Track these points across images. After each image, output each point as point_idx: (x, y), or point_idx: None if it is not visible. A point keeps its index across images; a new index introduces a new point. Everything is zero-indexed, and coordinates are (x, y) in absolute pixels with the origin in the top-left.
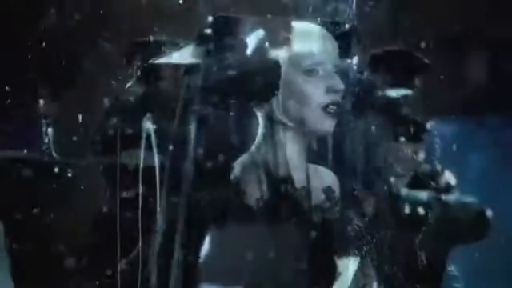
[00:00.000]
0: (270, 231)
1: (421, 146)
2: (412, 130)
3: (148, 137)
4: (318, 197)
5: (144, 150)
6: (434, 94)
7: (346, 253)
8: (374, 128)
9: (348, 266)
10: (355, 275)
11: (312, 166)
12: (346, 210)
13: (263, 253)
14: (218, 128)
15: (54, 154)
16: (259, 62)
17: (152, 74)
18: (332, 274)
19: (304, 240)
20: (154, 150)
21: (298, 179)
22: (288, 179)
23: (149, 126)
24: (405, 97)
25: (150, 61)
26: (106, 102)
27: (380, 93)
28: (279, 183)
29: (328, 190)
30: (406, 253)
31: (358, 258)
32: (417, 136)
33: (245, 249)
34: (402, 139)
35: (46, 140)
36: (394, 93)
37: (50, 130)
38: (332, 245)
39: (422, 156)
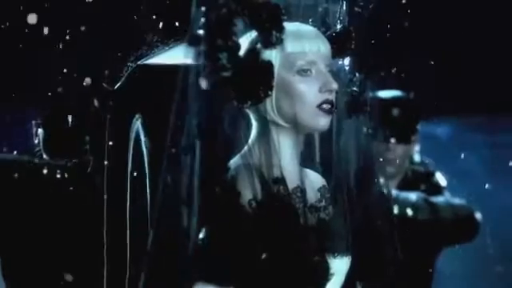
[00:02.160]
0: (263, 232)
1: (411, 148)
2: (402, 131)
3: (138, 137)
4: (312, 196)
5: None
6: (427, 95)
7: (339, 253)
8: (364, 129)
9: (341, 266)
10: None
11: (300, 168)
12: (338, 210)
13: (256, 253)
14: (209, 129)
15: (45, 156)
16: (251, 63)
17: (142, 75)
18: (325, 274)
19: (299, 240)
20: (144, 150)
21: (291, 179)
22: (281, 180)
23: (138, 126)
24: (396, 98)
25: (140, 61)
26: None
27: (371, 94)
28: (272, 184)
29: (323, 190)
30: (396, 253)
31: (350, 258)
32: (407, 137)
33: (239, 249)
34: (393, 140)
35: (36, 141)
36: (385, 94)
37: (40, 130)
38: (326, 245)
39: (412, 157)
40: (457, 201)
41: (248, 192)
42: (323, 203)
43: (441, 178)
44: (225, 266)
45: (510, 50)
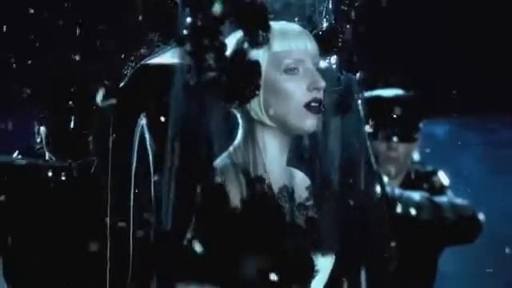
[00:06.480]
0: (251, 232)
1: (414, 146)
2: (405, 129)
3: (142, 136)
4: (301, 195)
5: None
6: (426, 94)
7: (325, 251)
8: (352, 127)
9: (326, 264)
10: (332, 272)
11: (287, 168)
12: (325, 209)
13: (242, 252)
14: (197, 129)
15: (48, 155)
16: (238, 63)
17: (145, 74)
18: (310, 271)
19: (284, 239)
20: (149, 150)
21: (278, 179)
22: (265, 179)
23: (143, 126)
24: (398, 97)
25: (143, 61)
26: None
27: (363, 92)
28: (257, 184)
29: (311, 188)
30: (398, 252)
31: (335, 256)
32: (410, 136)
33: (225, 248)
34: (395, 139)
35: (39, 140)
36: (387, 92)
37: (42, 128)
38: (313, 243)
39: (414, 156)
40: (460, 201)
41: (235, 192)
42: (311, 202)
43: (443, 177)
44: (211, 265)
45: (509, 49)
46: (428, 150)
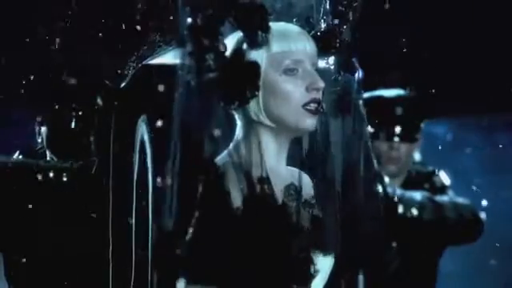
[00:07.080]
0: (252, 231)
1: (415, 146)
2: (406, 129)
3: (143, 137)
4: (307, 193)
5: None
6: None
7: (326, 250)
8: (360, 127)
9: (326, 264)
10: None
11: (287, 167)
12: (328, 208)
13: (246, 253)
14: (197, 128)
15: (49, 156)
16: (238, 64)
17: (147, 75)
18: (310, 271)
19: (285, 238)
20: (148, 151)
21: (281, 178)
22: (266, 179)
23: (143, 127)
24: (400, 97)
25: (145, 61)
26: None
27: (363, 92)
28: (258, 184)
29: (315, 187)
30: (399, 252)
31: (334, 255)
32: (411, 136)
33: (226, 248)
34: (397, 139)
35: (40, 140)
36: (389, 93)
37: (43, 129)
38: (315, 242)
39: (416, 156)
40: (461, 200)
41: (235, 192)
42: (315, 200)
43: (445, 177)
44: (212, 265)
45: (508, 49)
46: (428, 150)
